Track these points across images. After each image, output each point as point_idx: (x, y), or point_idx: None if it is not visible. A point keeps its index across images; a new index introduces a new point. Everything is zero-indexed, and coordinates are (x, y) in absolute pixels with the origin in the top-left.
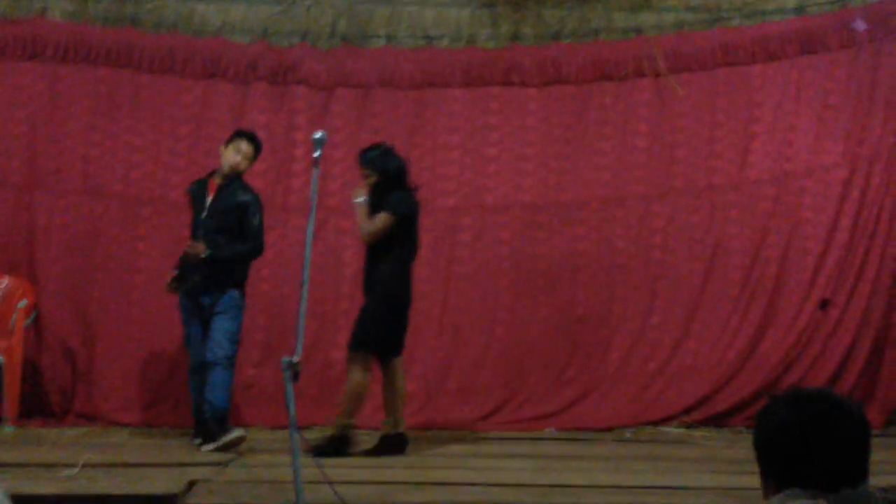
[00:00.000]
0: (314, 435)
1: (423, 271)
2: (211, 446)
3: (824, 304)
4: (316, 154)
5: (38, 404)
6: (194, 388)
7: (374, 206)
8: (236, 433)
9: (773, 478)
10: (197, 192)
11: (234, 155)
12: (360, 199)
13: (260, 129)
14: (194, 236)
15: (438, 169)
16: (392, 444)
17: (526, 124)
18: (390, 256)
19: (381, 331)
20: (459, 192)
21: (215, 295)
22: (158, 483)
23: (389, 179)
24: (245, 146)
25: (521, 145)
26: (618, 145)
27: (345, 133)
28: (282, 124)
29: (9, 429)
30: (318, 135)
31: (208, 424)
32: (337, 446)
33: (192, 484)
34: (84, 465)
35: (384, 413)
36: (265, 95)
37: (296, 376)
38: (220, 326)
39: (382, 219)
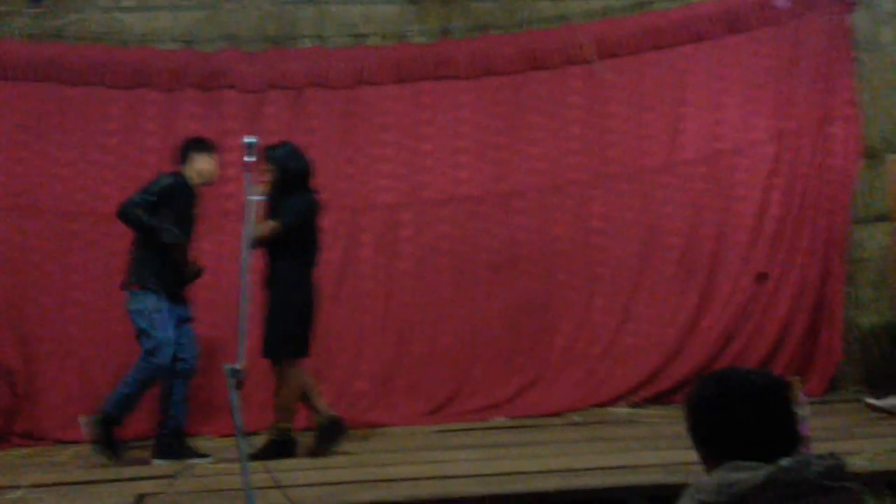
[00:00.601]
0: (262, 441)
1: (366, 269)
2: (166, 463)
3: (761, 278)
4: (248, 158)
5: None
6: (165, 395)
7: (273, 206)
8: (207, 459)
9: (709, 454)
10: (190, 198)
11: (216, 166)
12: (256, 196)
13: (192, 136)
14: (181, 237)
15: (375, 166)
16: (329, 432)
17: (460, 117)
18: (289, 259)
19: (291, 334)
20: (398, 189)
21: (186, 303)
22: (106, 499)
23: (290, 179)
24: (217, 158)
25: (457, 138)
26: (552, 133)
27: (279, 136)
28: (214, 130)
29: None
30: (249, 139)
31: (168, 439)
32: (279, 450)
33: (140, 497)
34: (29, 486)
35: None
36: (195, 102)
37: (240, 384)
38: (193, 336)
39: (270, 226)
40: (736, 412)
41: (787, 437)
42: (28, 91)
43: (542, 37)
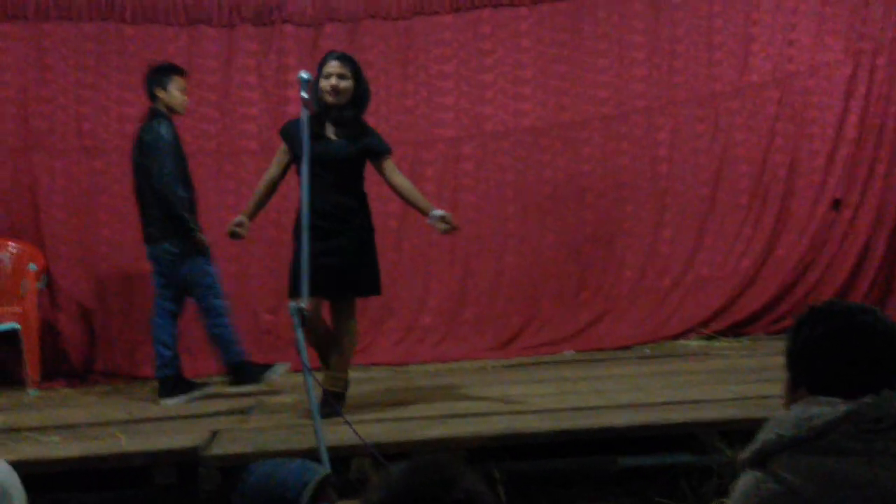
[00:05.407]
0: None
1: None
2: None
3: (837, 205)
4: (304, 94)
5: (59, 366)
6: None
7: (350, 126)
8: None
9: (806, 385)
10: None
11: None
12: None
13: (250, 72)
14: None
15: (435, 99)
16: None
17: (520, 46)
18: (362, 193)
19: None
20: (458, 122)
21: None
22: (181, 436)
23: (362, 99)
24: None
25: (517, 68)
26: (615, 60)
27: None
28: (272, 66)
29: (33, 392)
30: (304, 75)
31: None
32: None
33: (214, 434)
34: (105, 423)
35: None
36: (252, 38)
37: (304, 321)
38: None
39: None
40: (850, 350)
41: (888, 379)
42: (88, 31)
43: None
